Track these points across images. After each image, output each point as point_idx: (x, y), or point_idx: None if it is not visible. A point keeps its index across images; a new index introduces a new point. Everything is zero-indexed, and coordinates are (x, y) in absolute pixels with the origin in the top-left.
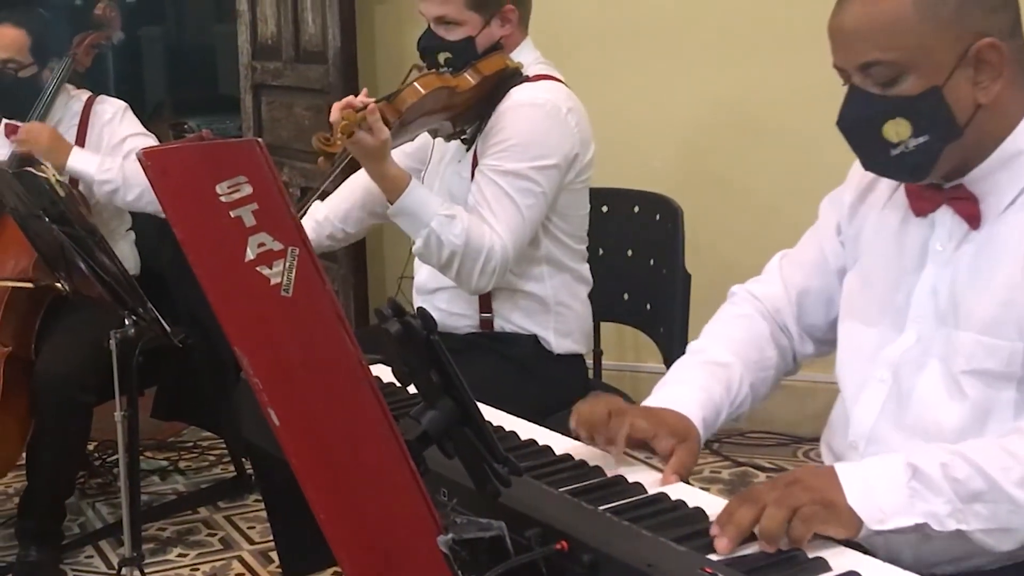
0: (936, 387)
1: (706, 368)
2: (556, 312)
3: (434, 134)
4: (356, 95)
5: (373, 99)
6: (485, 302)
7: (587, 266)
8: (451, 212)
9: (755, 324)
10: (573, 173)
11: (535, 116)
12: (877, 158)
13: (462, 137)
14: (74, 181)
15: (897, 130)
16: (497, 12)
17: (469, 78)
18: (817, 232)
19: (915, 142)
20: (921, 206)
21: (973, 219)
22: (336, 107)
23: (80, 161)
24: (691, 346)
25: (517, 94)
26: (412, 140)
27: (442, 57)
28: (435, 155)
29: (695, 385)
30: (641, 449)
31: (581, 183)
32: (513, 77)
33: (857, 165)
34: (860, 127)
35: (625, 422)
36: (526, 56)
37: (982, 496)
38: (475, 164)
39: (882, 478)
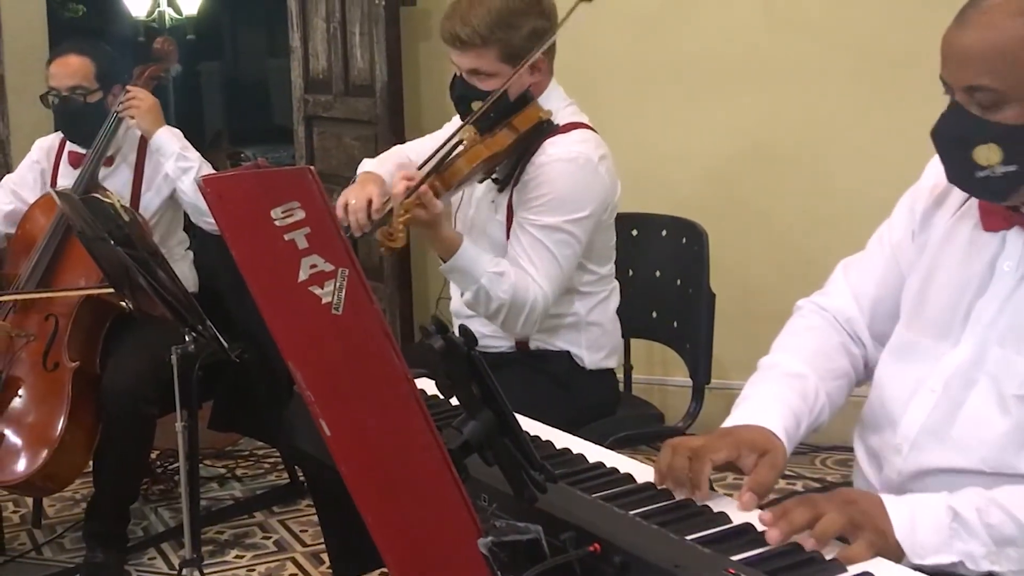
0: (985, 404)
1: (782, 380)
2: (587, 330)
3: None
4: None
5: (423, 173)
6: None
7: (615, 284)
8: (499, 269)
9: (825, 335)
10: (607, 215)
11: (570, 171)
12: (961, 174)
13: (492, 177)
14: (136, 202)
15: (988, 155)
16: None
17: (505, 137)
18: (889, 241)
19: (1003, 169)
20: (993, 222)
21: None
22: (399, 182)
23: (168, 135)
24: (763, 361)
25: (552, 148)
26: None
27: (474, 105)
28: (464, 194)
29: (772, 398)
30: (730, 469)
31: (609, 219)
32: (544, 127)
33: (930, 170)
34: (953, 143)
35: (705, 464)
36: (554, 101)
37: (1014, 541)
38: (510, 210)
39: (926, 518)
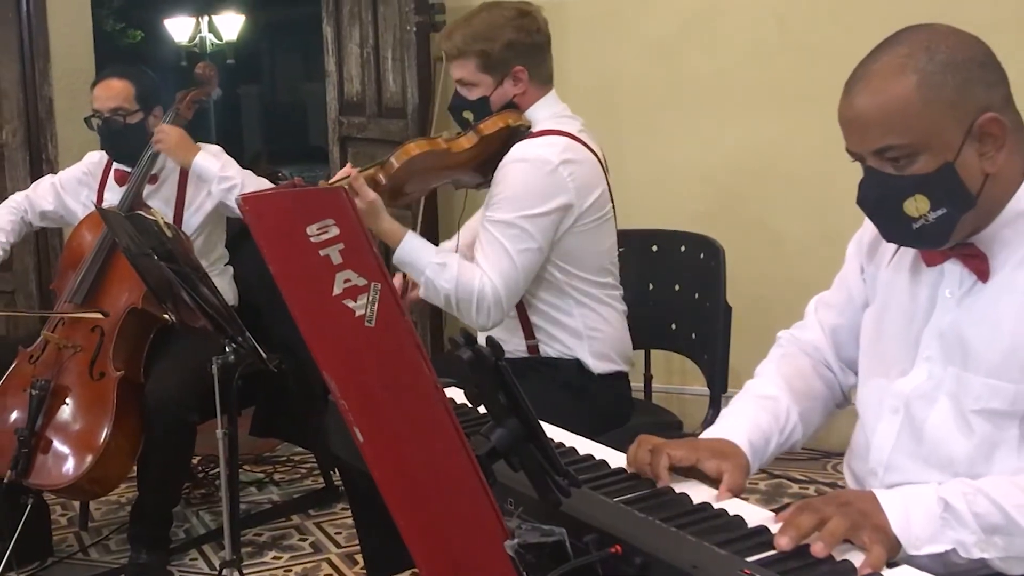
0: (947, 423)
1: (754, 401)
2: (589, 337)
3: (457, 185)
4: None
5: (359, 168)
6: (528, 330)
7: (616, 292)
8: (442, 261)
9: (798, 360)
10: (571, 219)
11: (524, 170)
12: (899, 232)
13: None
14: (178, 219)
15: (916, 206)
16: (508, 73)
17: (467, 140)
18: (844, 274)
19: (934, 215)
20: (931, 258)
21: (982, 274)
22: (330, 180)
23: (204, 160)
24: (745, 384)
25: (514, 151)
26: (424, 194)
27: (466, 114)
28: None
29: (742, 416)
30: (694, 477)
31: (588, 225)
32: (518, 134)
33: None
34: (881, 205)
35: (662, 456)
36: (542, 112)
37: (1000, 529)
38: None
39: (918, 508)
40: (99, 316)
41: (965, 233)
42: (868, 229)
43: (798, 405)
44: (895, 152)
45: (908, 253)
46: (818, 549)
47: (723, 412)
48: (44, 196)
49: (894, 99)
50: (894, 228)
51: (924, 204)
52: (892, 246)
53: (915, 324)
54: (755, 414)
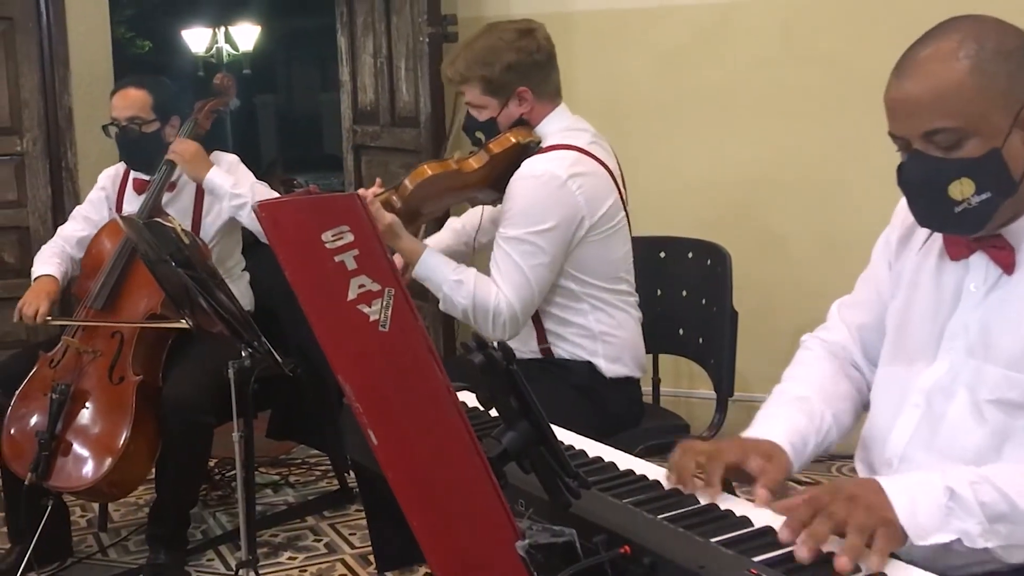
0: (963, 415)
1: (789, 404)
2: (603, 341)
3: (474, 203)
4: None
5: (381, 189)
6: (541, 335)
7: (632, 299)
8: (459, 277)
9: (825, 362)
10: (583, 230)
11: (532, 186)
12: (939, 215)
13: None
14: (196, 226)
15: (962, 189)
16: (511, 94)
17: (477, 159)
18: (870, 273)
19: (978, 199)
20: (957, 251)
21: (1009, 266)
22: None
23: (217, 177)
24: (774, 389)
25: (523, 167)
26: (441, 212)
27: (478, 134)
28: (485, 219)
29: (780, 419)
30: (736, 476)
31: (600, 235)
32: (528, 150)
33: (901, 207)
34: (925, 188)
35: (720, 464)
36: (552, 126)
37: (1005, 517)
38: None
39: (924, 498)
40: (186, 327)
41: (999, 222)
42: (896, 226)
43: (830, 407)
44: (945, 135)
45: (934, 247)
46: (842, 564)
47: (757, 415)
48: (75, 227)
49: (948, 83)
50: (935, 211)
51: (969, 187)
52: (919, 242)
53: (940, 317)
54: (791, 415)
